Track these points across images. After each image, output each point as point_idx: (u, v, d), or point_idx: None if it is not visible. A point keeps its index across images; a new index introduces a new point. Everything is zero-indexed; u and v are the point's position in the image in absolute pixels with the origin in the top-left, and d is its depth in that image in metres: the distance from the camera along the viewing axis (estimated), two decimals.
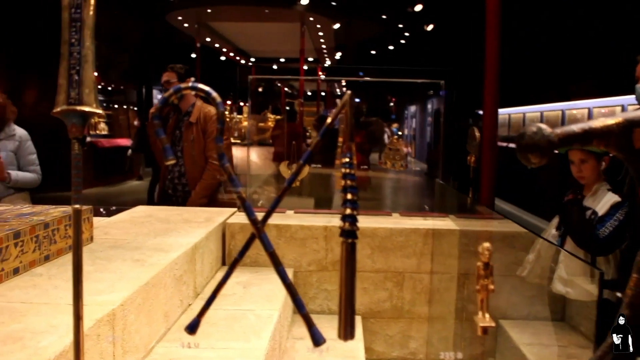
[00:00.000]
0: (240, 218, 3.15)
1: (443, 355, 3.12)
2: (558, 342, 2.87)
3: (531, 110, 10.59)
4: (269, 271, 2.99)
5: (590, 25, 7.63)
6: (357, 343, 2.73)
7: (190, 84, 1.01)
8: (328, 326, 2.99)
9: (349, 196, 0.90)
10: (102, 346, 1.53)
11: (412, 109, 26.38)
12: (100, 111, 0.90)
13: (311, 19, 11.58)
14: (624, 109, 7.29)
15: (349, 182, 0.91)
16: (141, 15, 12.41)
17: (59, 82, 0.86)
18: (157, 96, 19.71)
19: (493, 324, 0.99)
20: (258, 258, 3.06)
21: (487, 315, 1.00)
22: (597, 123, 0.82)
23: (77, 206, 0.88)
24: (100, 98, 16.51)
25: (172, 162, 0.99)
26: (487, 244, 1.01)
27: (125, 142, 16.51)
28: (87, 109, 0.87)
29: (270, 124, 11.21)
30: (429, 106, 20.61)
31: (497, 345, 3.17)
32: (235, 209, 3.34)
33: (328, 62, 18.81)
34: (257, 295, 2.57)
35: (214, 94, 0.99)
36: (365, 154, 6.10)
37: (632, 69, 2.63)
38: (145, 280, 1.88)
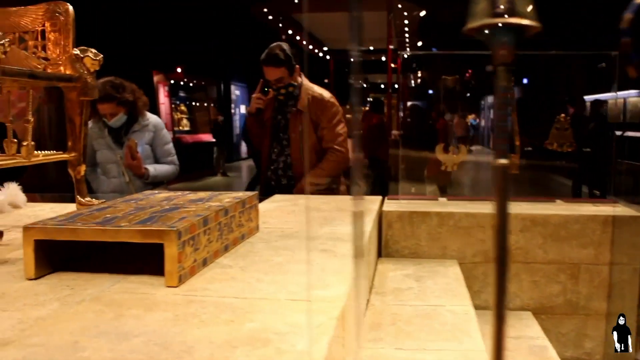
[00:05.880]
0: (395, 206, 2.89)
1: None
2: None
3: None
4: (433, 263, 2.73)
5: None
6: (543, 341, 2.43)
7: None
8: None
9: None
10: (336, 349, 1.30)
11: (490, 99, 25.63)
12: (538, 25, 0.64)
13: (399, 5, 11.22)
14: None
15: None
16: (225, 8, 12.37)
17: None
18: (234, 92, 19.83)
19: None
20: (417, 249, 2.80)
21: None
22: None
23: (503, 160, 0.63)
24: (182, 95, 16.73)
25: None
26: None
27: (208, 137, 16.67)
28: (523, 21, 0.61)
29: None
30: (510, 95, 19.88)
31: None
32: (380, 197, 3.08)
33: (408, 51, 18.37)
34: (436, 289, 2.30)
35: None
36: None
37: None
38: (350, 272, 1.65)
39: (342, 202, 2.89)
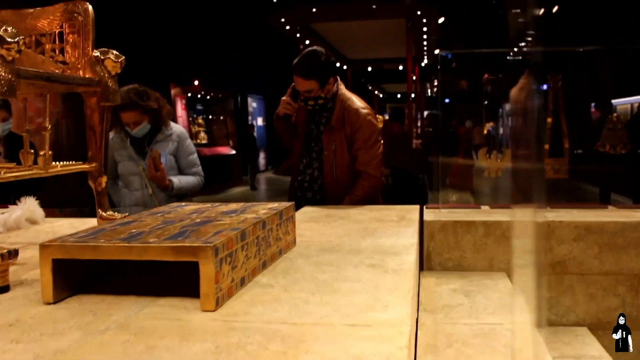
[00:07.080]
0: (437, 215, 2.70)
1: None
2: None
3: None
4: (480, 276, 2.53)
5: None
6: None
7: None
8: (556, 340, 2.49)
9: None
10: None
11: (508, 107, 25.34)
12: None
13: (418, 12, 11.05)
14: None
15: None
16: (240, 18, 12.27)
17: None
18: (251, 104, 19.77)
19: None
20: (462, 261, 2.60)
21: None
22: None
23: None
24: (199, 107, 16.68)
25: None
26: None
27: (226, 150, 16.59)
28: None
29: (380, 124, 10.80)
30: None
31: None
32: (418, 206, 2.89)
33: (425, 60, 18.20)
34: (489, 305, 2.10)
35: None
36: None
37: None
38: (408, 289, 1.46)
39: (378, 212, 2.70)
